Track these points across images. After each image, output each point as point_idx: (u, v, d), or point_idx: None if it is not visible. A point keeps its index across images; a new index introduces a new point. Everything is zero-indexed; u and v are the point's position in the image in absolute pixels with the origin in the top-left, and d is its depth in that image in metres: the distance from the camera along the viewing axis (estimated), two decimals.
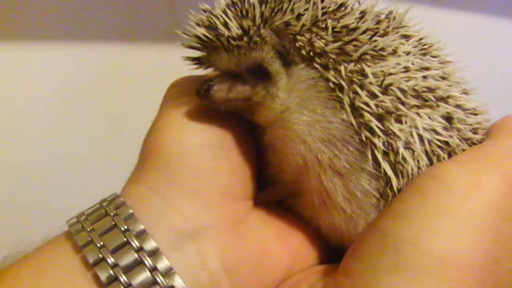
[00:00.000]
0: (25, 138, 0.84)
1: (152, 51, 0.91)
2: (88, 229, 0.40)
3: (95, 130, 0.89)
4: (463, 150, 0.43)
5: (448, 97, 0.43)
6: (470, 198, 0.36)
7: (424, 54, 0.44)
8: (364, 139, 0.40)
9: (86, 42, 0.86)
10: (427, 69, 0.42)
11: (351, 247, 0.39)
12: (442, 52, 0.46)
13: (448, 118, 0.42)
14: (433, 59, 0.45)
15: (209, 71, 0.50)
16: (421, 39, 0.45)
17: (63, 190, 0.87)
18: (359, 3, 0.44)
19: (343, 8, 0.43)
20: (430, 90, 0.42)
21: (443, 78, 0.44)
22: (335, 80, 0.40)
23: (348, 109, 0.40)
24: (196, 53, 0.47)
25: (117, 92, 0.90)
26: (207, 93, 0.43)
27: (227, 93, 0.43)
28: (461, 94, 0.45)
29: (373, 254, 0.36)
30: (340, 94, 0.40)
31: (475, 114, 0.46)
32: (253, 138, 0.48)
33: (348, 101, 0.40)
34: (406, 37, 0.44)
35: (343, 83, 0.40)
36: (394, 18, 0.44)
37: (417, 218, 0.35)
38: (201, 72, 0.50)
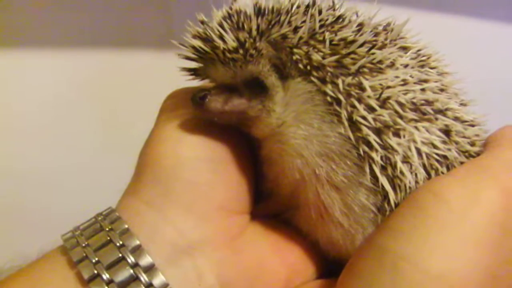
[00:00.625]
0: (21, 143, 0.84)
1: (148, 57, 0.91)
2: (83, 244, 0.39)
3: (91, 135, 0.89)
4: (461, 163, 0.42)
5: (446, 109, 0.42)
6: (468, 213, 0.35)
7: (422, 66, 0.44)
8: (362, 153, 0.39)
9: (82, 48, 0.86)
10: (425, 81, 0.42)
11: (348, 263, 0.39)
12: (440, 64, 0.46)
13: (446, 132, 0.42)
14: (432, 70, 0.44)
15: (205, 82, 0.50)
16: (419, 50, 0.45)
17: (61, 196, 0.87)
18: (357, 15, 0.44)
19: (340, 20, 0.42)
20: (428, 103, 0.41)
21: (442, 90, 0.43)
22: (332, 94, 0.39)
23: (345, 123, 0.39)
24: (193, 63, 0.46)
25: (112, 98, 0.90)
26: (201, 102, 0.42)
27: (223, 105, 0.43)
28: (459, 106, 0.44)
29: (370, 271, 0.36)
30: (337, 108, 0.39)
31: (473, 126, 0.45)
32: (250, 150, 0.47)
33: (345, 115, 0.39)
34: (404, 48, 0.43)
35: (340, 96, 0.39)
36: (392, 30, 0.44)
37: (415, 235, 0.35)
38: (198, 83, 0.50)
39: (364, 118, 0.39)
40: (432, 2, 0.93)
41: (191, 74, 0.48)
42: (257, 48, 0.41)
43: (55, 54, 0.85)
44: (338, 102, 0.39)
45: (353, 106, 0.39)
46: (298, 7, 0.42)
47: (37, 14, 0.82)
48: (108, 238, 0.39)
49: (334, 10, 0.44)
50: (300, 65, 0.40)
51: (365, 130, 0.39)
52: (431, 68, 0.44)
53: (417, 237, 0.35)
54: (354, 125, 0.39)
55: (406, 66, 0.42)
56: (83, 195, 0.81)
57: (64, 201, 0.84)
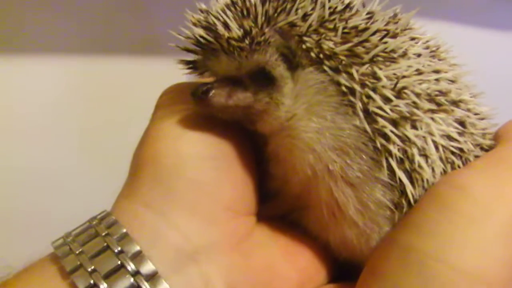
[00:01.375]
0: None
1: (129, 62, 0.90)
2: (77, 252, 0.36)
3: (74, 142, 0.87)
4: (476, 156, 0.41)
5: (459, 101, 0.41)
6: (495, 207, 0.34)
7: (433, 57, 0.42)
8: (379, 146, 0.37)
9: (63, 54, 0.85)
10: (438, 72, 0.40)
11: (368, 265, 0.37)
12: (449, 55, 0.44)
13: (462, 123, 0.40)
14: (441, 61, 0.43)
15: (202, 77, 0.47)
16: (427, 41, 0.43)
17: (53, 199, 0.85)
18: (363, 5, 0.42)
19: (348, 9, 0.40)
20: (442, 93, 0.40)
21: (452, 82, 0.42)
22: (347, 84, 0.37)
23: (361, 114, 0.37)
24: (191, 56, 0.44)
25: (94, 103, 0.88)
26: (204, 97, 0.39)
27: (227, 100, 0.40)
28: (470, 97, 0.43)
29: (395, 272, 0.33)
30: (352, 99, 0.37)
31: (483, 118, 0.44)
32: (253, 147, 0.44)
33: (361, 106, 0.37)
34: (414, 39, 0.42)
35: (356, 86, 0.37)
36: (399, 20, 0.42)
37: (442, 231, 0.33)
38: (190, 79, 0.47)
39: (380, 109, 0.37)
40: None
41: (189, 68, 0.45)
42: (264, 36, 0.38)
43: (40, 61, 0.83)
44: (353, 93, 0.37)
45: (369, 97, 0.37)
46: None
47: (21, 20, 0.80)
48: (105, 244, 0.36)
49: None
50: (312, 54, 0.38)
51: (382, 122, 0.37)
52: (440, 59, 0.43)
53: (444, 234, 0.33)
54: (369, 116, 0.37)
55: (418, 55, 0.40)
56: (70, 198, 0.81)
57: (57, 204, 0.83)
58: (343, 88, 0.37)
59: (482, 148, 0.42)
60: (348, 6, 0.40)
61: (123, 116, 0.85)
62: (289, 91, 0.40)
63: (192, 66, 0.44)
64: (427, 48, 0.42)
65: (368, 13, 0.40)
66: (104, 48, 0.87)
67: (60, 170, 0.85)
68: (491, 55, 1.08)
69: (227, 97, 0.40)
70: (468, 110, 0.42)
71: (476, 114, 0.43)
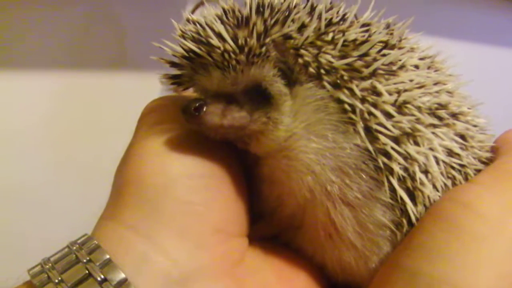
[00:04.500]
0: None
1: (102, 77, 0.89)
2: (56, 280, 0.34)
3: (48, 157, 0.86)
4: (476, 169, 0.40)
5: (459, 113, 0.39)
6: (505, 224, 0.33)
7: (429, 68, 0.41)
8: (381, 165, 0.35)
9: (40, 69, 0.84)
10: (437, 83, 0.39)
11: None
12: (444, 65, 0.43)
13: (462, 136, 0.39)
14: (438, 72, 0.41)
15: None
16: (422, 51, 0.42)
17: (20, 220, 0.83)
18: (355, 17, 0.40)
19: (343, 20, 0.38)
20: (442, 106, 0.38)
21: (450, 93, 0.41)
22: (348, 101, 0.35)
23: (362, 132, 0.35)
24: (172, 69, 0.41)
25: (67, 118, 0.88)
26: (196, 113, 0.36)
27: (221, 119, 0.37)
28: (468, 109, 0.41)
29: None
30: (353, 116, 0.35)
31: (481, 130, 0.43)
32: (243, 165, 0.42)
33: (362, 123, 0.35)
34: (411, 50, 0.40)
35: (357, 103, 0.35)
36: (393, 30, 0.41)
37: (451, 253, 0.31)
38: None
39: (382, 125, 0.35)
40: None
41: (173, 83, 0.42)
42: (263, 48, 0.36)
43: (17, 76, 0.82)
44: (354, 110, 0.35)
45: (370, 113, 0.35)
46: (295, 5, 0.38)
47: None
48: (87, 271, 0.34)
49: (332, 9, 0.40)
50: (311, 69, 0.36)
51: (383, 139, 0.35)
52: (436, 70, 0.41)
53: (453, 255, 0.31)
54: (370, 134, 0.35)
55: (416, 67, 0.39)
56: (47, 218, 0.80)
57: (34, 225, 0.82)
58: (345, 106, 0.35)
59: (481, 161, 0.41)
60: (343, 18, 0.38)
61: (104, 128, 0.84)
62: (288, 109, 0.38)
63: (177, 81, 0.41)
64: (422, 59, 0.41)
65: (364, 25, 0.38)
66: (82, 63, 0.87)
67: (37, 188, 0.84)
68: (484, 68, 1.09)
69: (221, 116, 0.37)
70: (467, 122, 0.41)
71: (474, 126, 0.41)
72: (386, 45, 0.37)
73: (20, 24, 0.80)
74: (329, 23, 0.37)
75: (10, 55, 0.80)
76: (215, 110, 0.37)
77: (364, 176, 0.36)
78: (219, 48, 0.36)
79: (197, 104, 0.36)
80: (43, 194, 0.83)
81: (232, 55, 0.36)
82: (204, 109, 0.37)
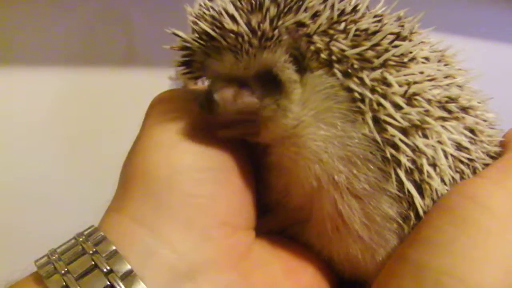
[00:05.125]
0: None
1: (110, 74, 0.89)
2: (62, 271, 0.33)
3: (54, 154, 0.86)
4: (484, 163, 0.39)
5: (469, 107, 0.39)
6: None
7: (440, 61, 0.40)
8: (388, 156, 0.35)
9: (48, 65, 0.84)
10: (448, 77, 0.38)
11: (377, 283, 0.34)
12: (454, 60, 0.42)
13: (472, 130, 0.39)
14: (448, 66, 0.41)
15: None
16: (433, 45, 0.41)
17: (28, 213, 0.83)
18: (367, 9, 0.40)
19: (355, 11, 0.38)
20: (452, 100, 0.38)
21: (460, 87, 0.40)
22: (358, 89, 0.35)
23: (370, 122, 0.35)
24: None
25: (76, 115, 0.87)
26: (210, 100, 0.37)
27: (232, 102, 0.37)
28: (478, 103, 0.41)
29: None
30: (362, 106, 0.35)
31: (490, 125, 0.43)
32: (250, 156, 0.42)
33: (370, 113, 0.35)
34: (422, 42, 0.40)
35: (366, 93, 0.35)
36: (405, 23, 0.40)
37: (459, 247, 0.31)
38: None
39: (390, 116, 0.35)
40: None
41: (185, 69, 0.42)
42: (275, 31, 0.36)
43: (25, 72, 0.81)
44: (363, 99, 0.35)
45: (379, 104, 0.35)
46: None
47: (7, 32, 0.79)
48: (93, 262, 0.34)
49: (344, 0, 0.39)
50: (322, 55, 0.36)
51: (391, 130, 0.35)
52: (447, 64, 0.41)
53: (460, 249, 0.31)
54: (379, 125, 0.35)
55: (427, 59, 0.38)
56: (55, 210, 0.79)
57: (42, 217, 0.81)
58: (355, 94, 0.35)
59: (489, 156, 0.41)
60: (355, 8, 0.38)
61: (111, 125, 0.84)
62: (298, 97, 0.37)
63: (188, 70, 0.41)
64: (433, 52, 0.40)
65: (376, 16, 0.38)
66: (90, 60, 0.86)
67: (46, 181, 0.83)
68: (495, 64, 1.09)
69: (233, 100, 0.37)
70: (477, 116, 0.40)
71: (484, 120, 0.41)
72: (398, 36, 0.37)
73: (29, 21, 0.80)
74: (342, 13, 0.37)
75: (19, 51, 0.80)
76: (228, 93, 0.37)
77: (371, 167, 0.36)
78: (232, 31, 0.35)
79: (210, 90, 0.37)
80: (51, 190, 0.83)
81: (246, 38, 0.36)
82: (217, 96, 0.37)
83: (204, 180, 0.37)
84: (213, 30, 0.36)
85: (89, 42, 0.85)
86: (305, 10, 0.36)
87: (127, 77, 0.88)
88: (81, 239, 0.36)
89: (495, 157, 0.40)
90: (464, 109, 0.39)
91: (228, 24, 0.35)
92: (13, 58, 0.80)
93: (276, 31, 0.36)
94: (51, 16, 0.81)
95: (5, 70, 0.79)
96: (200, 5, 0.38)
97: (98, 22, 0.86)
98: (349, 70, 0.35)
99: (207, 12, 0.37)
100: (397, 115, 0.35)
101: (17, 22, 0.79)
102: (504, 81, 1.13)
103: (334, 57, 0.35)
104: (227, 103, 0.37)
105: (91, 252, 0.34)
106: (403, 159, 0.35)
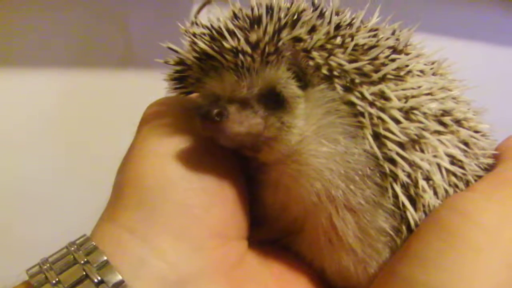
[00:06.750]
0: None
1: (108, 76, 0.90)
2: (53, 281, 0.34)
3: (52, 157, 0.87)
4: (477, 176, 0.39)
5: (463, 119, 0.39)
6: (503, 234, 0.32)
7: (434, 74, 0.40)
8: (387, 171, 0.35)
9: (46, 68, 0.85)
10: (443, 89, 0.38)
11: None
12: (447, 70, 0.42)
13: (466, 143, 0.39)
14: (442, 78, 0.41)
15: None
16: (427, 57, 0.41)
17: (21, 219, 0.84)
18: (362, 22, 0.39)
19: (350, 25, 0.38)
20: (447, 112, 0.38)
21: (455, 99, 0.40)
22: (359, 103, 0.35)
23: (370, 137, 0.35)
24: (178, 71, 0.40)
25: (72, 118, 0.89)
26: (219, 119, 0.35)
27: (239, 126, 0.36)
28: (472, 115, 0.41)
29: None
30: (363, 120, 0.35)
31: (484, 136, 0.42)
32: (243, 167, 0.42)
33: (370, 128, 0.35)
34: (418, 56, 0.40)
35: (367, 107, 0.35)
36: (399, 36, 0.40)
37: (448, 262, 0.31)
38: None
39: (390, 131, 0.35)
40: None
41: (177, 84, 0.41)
42: (279, 43, 0.35)
43: (24, 74, 0.83)
44: (363, 113, 0.35)
45: (379, 118, 0.35)
46: (303, 10, 0.37)
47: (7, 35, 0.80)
48: (84, 273, 0.34)
49: (339, 14, 0.39)
50: (323, 71, 0.35)
51: (390, 145, 0.35)
52: (441, 75, 0.41)
53: (450, 265, 0.31)
54: (378, 140, 0.35)
55: (422, 72, 0.38)
56: (49, 216, 0.80)
57: (36, 223, 0.83)
58: (357, 108, 0.35)
59: (482, 168, 0.40)
60: (351, 22, 0.38)
61: (109, 126, 0.84)
62: (302, 112, 0.37)
63: (181, 85, 0.40)
64: (426, 64, 0.40)
65: (371, 30, 0.38)
66: (88, 62, 0.87)
67: (44, 183, 0.83)
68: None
69: (239, 123, 0.36)
70: (470, 128, 0.40)
71: (477, 132, 0.41)
72: (394, 50, 0.37)
73: (28, 23, 0.80)
74: (338, 27, 0.36)
75: (17, 54, 0.81)
76: (237, 117, 0.36)
77: (368, 182, 0.36)
78: (232, 48, 0.35)
79: (218, 110, 0.35)
80: (50, 191, 0.84)
81: (247, 55, 0.35)
82: (228, 116, 0.35)
83: (196, 191, 0.37)
84: (211, 47, 0.35)
85: (88, 44, 0.86)
86: (302, 26, 0.35)
87: (125, 79, 0.88)
88: (73, 248, 0.36)
89: (488, 169, 0.40)
90: (459, 122, 0.39)
91: (227, 41, 0.35)
92: (12, 60, 0.81)
93: (279, 44, 0.35)
94: (50, 19, 0.82)
95: (4, 72, 0.80)
96: (196, 24, 0.38)
97: (96, 25, 0.87)
98: (349, 85, 0.35)
99: (204, 31, 0.37)
100: (396, 130, 0.35)
101: (16, 24, 0.80)
102: (502, 83, 1.13)
103: (334, 72, 0.35)
104: (233, 128, 0.36)
105: (82, 262, 0.34)
106: (400, 174, 0.35)
